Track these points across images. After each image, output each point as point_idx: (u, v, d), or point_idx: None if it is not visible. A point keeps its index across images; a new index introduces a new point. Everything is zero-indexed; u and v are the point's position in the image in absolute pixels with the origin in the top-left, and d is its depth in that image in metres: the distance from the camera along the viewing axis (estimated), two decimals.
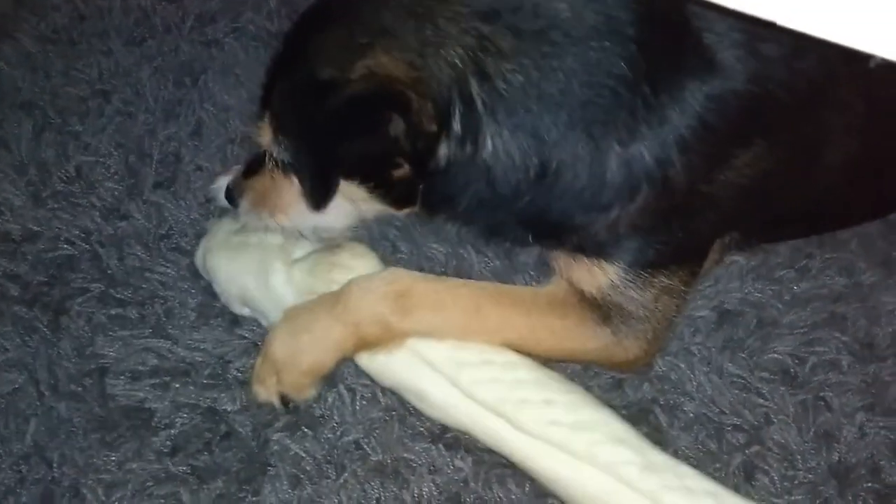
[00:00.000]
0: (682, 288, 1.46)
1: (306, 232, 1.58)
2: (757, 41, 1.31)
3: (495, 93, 1.30)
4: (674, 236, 1.41)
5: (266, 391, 1.50)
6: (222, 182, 1.71)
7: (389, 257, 1.73)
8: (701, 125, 1.31)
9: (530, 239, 1.49)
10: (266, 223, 1.57)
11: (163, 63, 2.06)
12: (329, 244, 1.57)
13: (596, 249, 1.42)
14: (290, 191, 1.50)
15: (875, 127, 1.45)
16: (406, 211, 1.53)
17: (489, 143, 1.33)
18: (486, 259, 1.73)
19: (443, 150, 1.34)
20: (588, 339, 1.45)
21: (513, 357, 1.41)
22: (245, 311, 1.62)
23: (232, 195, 1.62)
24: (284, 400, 1.50)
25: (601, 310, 1.43)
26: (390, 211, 1.53)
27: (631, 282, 1.41)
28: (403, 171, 1.38)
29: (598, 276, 1.42)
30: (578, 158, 1.33)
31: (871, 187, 1.59)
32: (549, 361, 1.50)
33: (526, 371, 1.40)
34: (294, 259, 1.55)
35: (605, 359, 1.49)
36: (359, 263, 1.51)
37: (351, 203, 1.50)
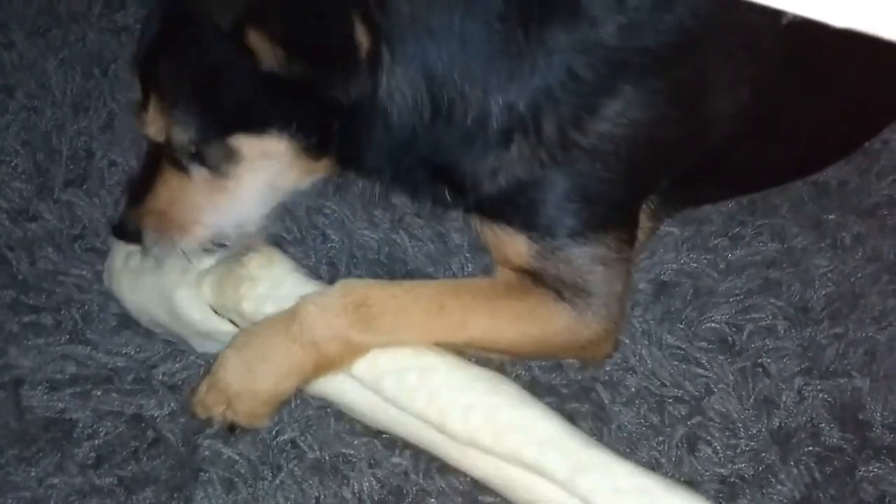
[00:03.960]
0: (615, 256, 1.42)
1: (229, 234, 1.47)
2: None
3: (387, 22, 1.26)
4: (567, 198, 1.38)
5: (212, 419, 1.42)
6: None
7: (320, 247, 1.68)
8: (567, 75, 1.31)
9: (447, 196, 1.46)
10: (182, 246, 1.45)
11: (69, 54, 1.96)
12: (237, 253, 1.46)
13: (495, 210, 1.41)
14: (199, 190, 1.42)
15: (779, 81, 1.44)
16: (320, 173, 1.47)
17: (384, 77, 1.30)
18: (420, 243, 1.68)
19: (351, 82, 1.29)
20: (551, 317, 1.41)
21: (432, 360, 1.35)
22: (161, 331, 1.53)
23: (127, 232, 1.48)
24: (232, 427, 1.42)
25: (551, 287, 1.40)
26: (305, 175, 1.46)
27: (551, 251, 1.39)
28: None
29: (514, 244, 1.40)
30: (467, 100, 1.32)
31: (785, 144, 1.58)
32: (521, 358, 1.48)
33: (447, 374, 1.33)
34: (202, 271, 1.45)
35: (572, 340, 1.44)
36: (266, 273, 1.42)
37: (266, 177, 1.42)
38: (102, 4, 2.04)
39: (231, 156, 1.38)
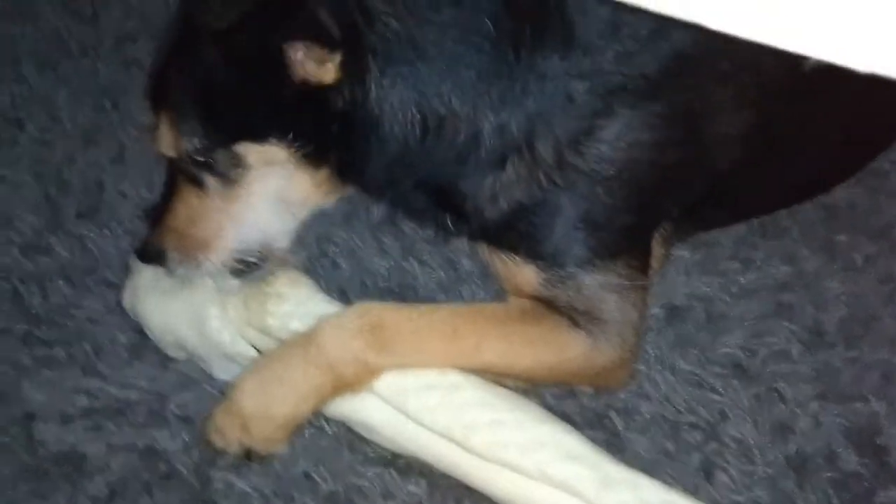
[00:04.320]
0: (627, 283, 1.42)
1: (251, 249, 1.50)
2: (621, 19, 1.33)
3: (375, 34, 1.31)
4: (572, 225, 1.39)
5: (228, 445, 1.41)
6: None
7: (330, 275, 1.68)
8: (561, 98, 1.33)
9: (449, 222, 1.48)
10: (206, 266, 1.47)
11: (80, 87, 1.98)
12: (263, 273, 1.49)
13: (499, 236, 1.42)
14: (215, 204, 1.46)
15: (784, 101, 1.44)
16: (326, 187, 1.49)
17: (373, 88, 1.34)
18: (431, 270, 1.68)
19: (341, 91, 1.34)
20: (565, 343, 1.40)
21: (457, 378, 1.36)
22: (181, 356, 1.53)
23: (150, 254, 1.50)
24: (249, 454, 1.41)
25: (565, 314, 1.40)
26: (312, 188, 1.48)
27: (560, 280, 1.39)
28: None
29: (523, 274, 1.41)
30: (458, 117, 1.35)
31: (794, 165, 1.58)
32: (536, 385, 1.47)
33: (472, 392, 1.34)
34: (228, 292, 1.47)
35: (587, 367, 1.43)
36: (293, 291, 1.44)
37: (275, 186, 1.45)
38: (112, 39, 2.07)
39: (239, 162, 1.41)
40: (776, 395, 1.53)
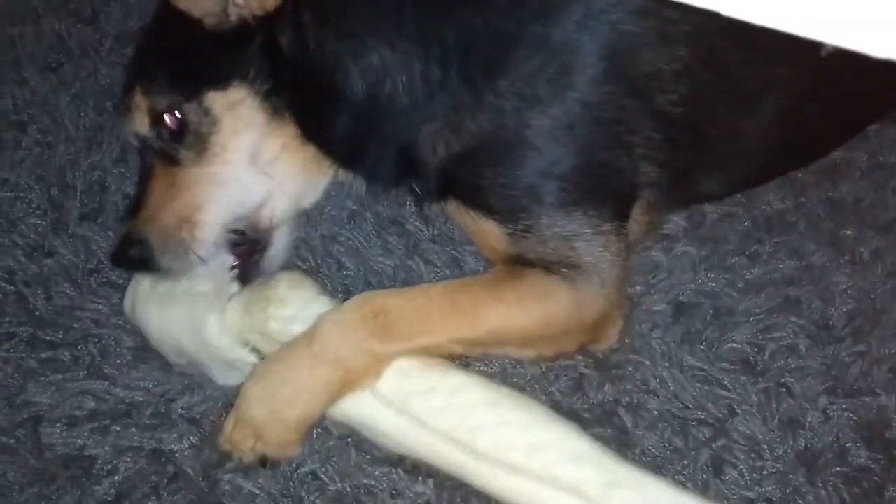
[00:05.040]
0: (588, 231, 1.40)
1: (238, 218, 1.51)
2: None
3: None
4: (510, 169, 1.39)
5: (242, 455, 1.40)
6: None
7: (335, 275, 1.68)
8: (479, 45, 1.36)
9: (416, 186, 1.51)
10: (196, 246, 1.47)
11: (81, 88, 1.97)
12: (265, 279, 1.49)
13: (450, 189, 1.44)
14: (192, 176, 1.49)
15: (734, 47, 1.39)
16: (294, 148, 1.51)
17: (312, 37, 1.41)
18: (435, 269, 1.68)
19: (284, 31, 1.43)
20: (549, 290, 1.39)
21: (461, 379, 1.35)
22: (182, 362, 1.53)
23: (130, 247, 1.49)
24: (264, 461, 1.41)
25: (540, 266, 1.40)
26: (281, 145, 1.50)
27: (521, 233, 1.40)
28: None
29: (489, 229, 1.42)
30: (391, 68, 1.39)
31: (776, 126, 1.53)
32: (538, 350, 1.47)
33: (477, 393, 1.34)
34: (229, 297, 1.46)
35: (576, 314, 1.41)
36: (295, 294, 1.43)
37: (247, 142, 1.48)
38: (113, 39, 2.05)
39: (207, 113, 1.45)
40: (784, 390, 1.52)
